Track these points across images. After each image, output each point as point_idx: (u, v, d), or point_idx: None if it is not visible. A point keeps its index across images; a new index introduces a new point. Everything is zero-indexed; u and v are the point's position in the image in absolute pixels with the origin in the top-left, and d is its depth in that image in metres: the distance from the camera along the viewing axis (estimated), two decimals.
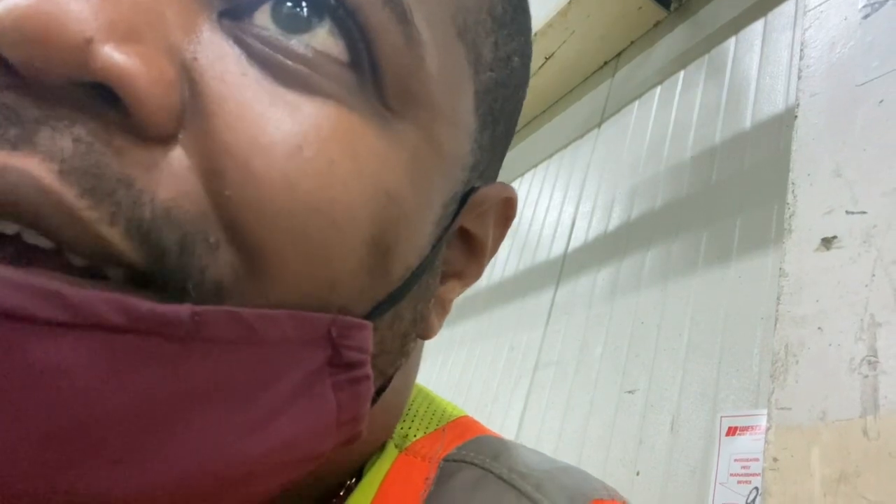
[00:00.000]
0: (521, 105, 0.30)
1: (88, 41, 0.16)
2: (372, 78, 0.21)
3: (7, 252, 0.16)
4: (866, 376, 0.47)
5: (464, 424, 0.31)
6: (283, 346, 0.19)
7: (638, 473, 1.05)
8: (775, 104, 1.18)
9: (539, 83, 1.91)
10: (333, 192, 0.19)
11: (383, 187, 0.20)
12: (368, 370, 0.21)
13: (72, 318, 0.15)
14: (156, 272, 0.17)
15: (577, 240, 1.57)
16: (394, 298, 0.22)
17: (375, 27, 0.20)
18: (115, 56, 0.16)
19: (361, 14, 0.20)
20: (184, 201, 0.17)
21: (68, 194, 0.16)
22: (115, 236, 0.16)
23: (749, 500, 0.87)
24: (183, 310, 0.16)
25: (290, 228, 0.18)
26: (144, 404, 0.16)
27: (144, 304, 0.16)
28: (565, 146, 1.88)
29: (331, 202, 0.19)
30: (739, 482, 0.89)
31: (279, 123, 0.18)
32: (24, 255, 0.16)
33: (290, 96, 0.19)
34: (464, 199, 0.26)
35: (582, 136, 1.81)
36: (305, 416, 0.20)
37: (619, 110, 1.68)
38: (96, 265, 0.17)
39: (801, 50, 0.69)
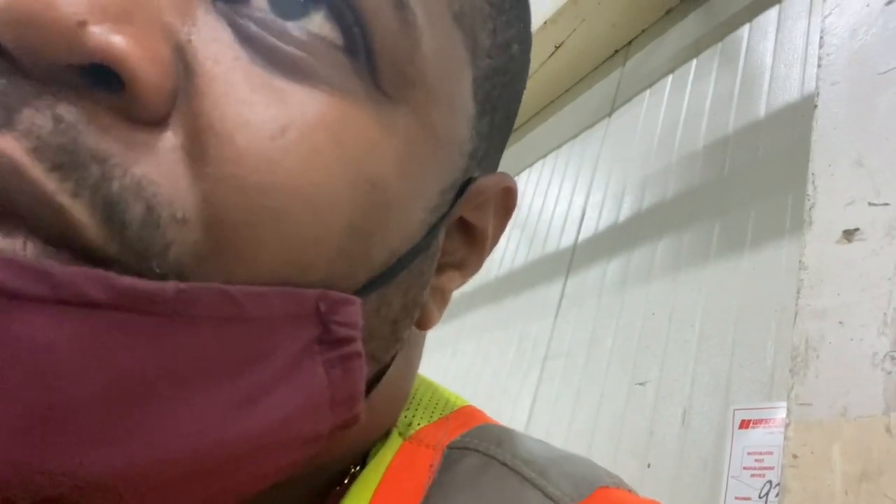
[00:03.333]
0: (521, 95, 0.29)
1: (82, 24, 0.15)
2: (366, 62, 0.20)
3: None
4: (889, 372, 0.46)
5: (468, 413, 0.31)
6: (270, 323, 0.18)
7: (649, 465, 1.04)
8: (790, 93, 1.16)
9: (549, 72, 1.89)
10: (315, 176, 0.19)
11: (367, 174, 0.20)
12: (359, 346, 0.21)
13: (53, 293, 0.15)
14: (112, 249, 0.17)
15: (588, 230, 1.56)
16: (377, 283, 0.22)
17: (370, 10, 0.20)
18: (108, 37, 0.16)
19: None
20: (158, 177, 0.17)
21: (35, 169, 0.15)
22: (75, 207, 0.16)
23: (762, 494, 0.86)
24: (168, 286, 0.16)
25: (267, 207, 0.18)
26: (127, 382, 0.16)
27: (128, 280, 0.16)
28: (575, 136, 1.86)
29: (311, 185, 0.19)
30: (753, 475, 0.88)
31: (267, 105, 0.18)
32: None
33: (281, 80, 0.19)
34: (462, 188, 0.25)
35: (592, 125, 1.79)
36: (297, 393, 0.19)
37: (630, 99, 1.67)
38: (61, 244, 0.16)
39: (821, 38, 0.68)
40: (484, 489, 0.26)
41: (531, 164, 2.03)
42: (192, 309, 0.17)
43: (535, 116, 2.10)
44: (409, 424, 0.29)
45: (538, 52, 1.79)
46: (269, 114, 0.18)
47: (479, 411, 0.32)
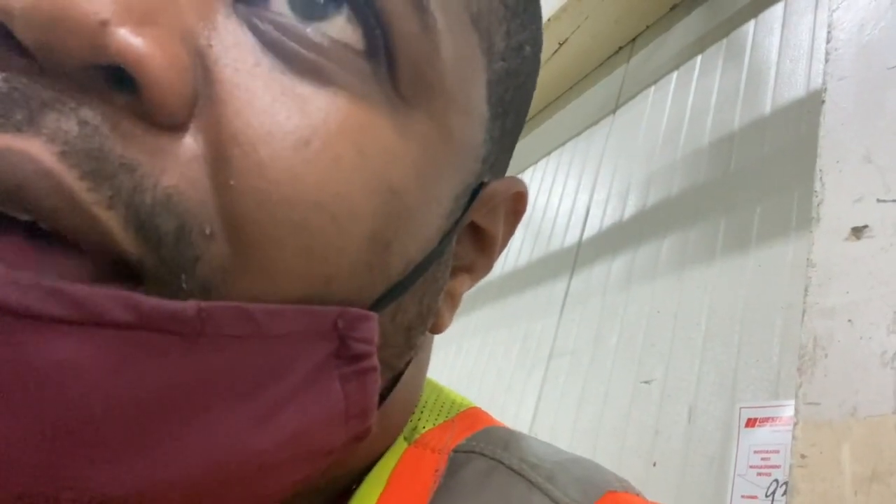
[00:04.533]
0: (531, 98, 0.29)
1: (104, 23, 0.15)
2: (387, 66, 0.20)
3: (15, 239, 0.16)
4: None
5: (473, 415, 0.31)
6: (289, 340, 0.18)
7: (654, 464, 1.04)
8: (796, 89, 1.15)
9: (553, 69, 1.89)
10: (337, 188, 0.19)
11: (388, 183, 0.20)
12: (375, 362, 0.21)
13: (77, 315, 0.15)
14: (149, 262, 0.17)
15: (592, 228, 1.56)
16: (395, 292, 0.22)
17: (392, 14, 0.20)
18: (130, 39, 0.16)
19: (379, 1, 0.20)
20: (186, 188, 0.17)
21: (68, 176, 0.15)
22: (111, 220, 0.16)
23: (769, 492, 0.86)
24: (189, 306, 0.16)
25: (291, 221, 0.18)
26: (151, 400, 0.16)
27: (150, 301, 0.16)
28: (579, 133, 1.85)
29: (334, 197, 0.19)
30: (759, 474, 0.87)
31: (289, 115, 0.18)
32: (34, 241, 0.16)
33: (302, 87, 0.19)
34: (474, 193, 0.25)
35: (596, 122, 1.79)
36: (313, 408, 0.19)
37: (634, 96, 1.66)
38: (98, 253, 0.17)
39: (829, 32, 0.67)
40: (490, 494, 0.25)
41: (535, 162, 2.03)
42: (213, 328, 0.17)
43: (539, 114, 2.09)
44: (415, 428, 0.29)
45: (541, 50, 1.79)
46: (292, 123, 0.18)
47: (485, 413, 0.32)
